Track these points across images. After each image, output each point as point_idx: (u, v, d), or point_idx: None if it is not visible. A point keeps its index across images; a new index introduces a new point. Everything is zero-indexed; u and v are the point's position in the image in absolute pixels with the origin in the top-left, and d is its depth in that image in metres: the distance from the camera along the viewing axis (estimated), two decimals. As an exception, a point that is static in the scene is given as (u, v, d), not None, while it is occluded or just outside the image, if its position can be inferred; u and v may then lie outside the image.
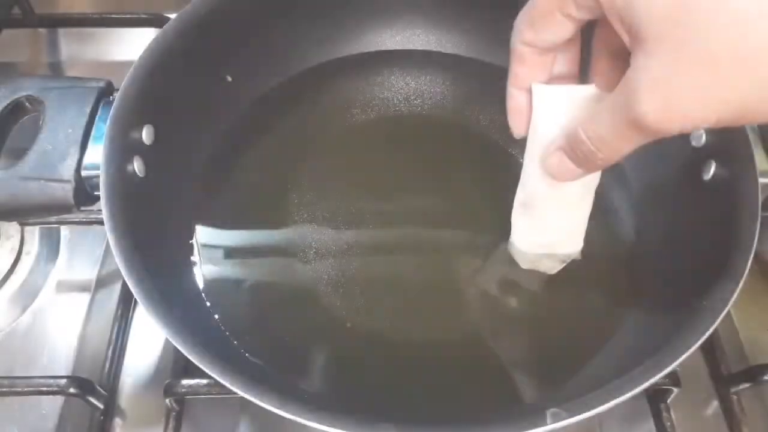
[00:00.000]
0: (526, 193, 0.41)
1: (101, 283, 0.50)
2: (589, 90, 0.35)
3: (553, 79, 0.36)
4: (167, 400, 0.42)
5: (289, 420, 0.30)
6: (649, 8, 0.26)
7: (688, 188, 0.44)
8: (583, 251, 0.43)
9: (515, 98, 0.37)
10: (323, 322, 0.43)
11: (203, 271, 0.45)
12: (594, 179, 0.39)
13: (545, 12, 0.32)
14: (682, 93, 0.26)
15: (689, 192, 0.44)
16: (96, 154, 0.39)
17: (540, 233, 0.43)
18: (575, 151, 0.33)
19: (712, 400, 0.45)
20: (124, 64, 0.42)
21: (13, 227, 0.51)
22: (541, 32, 0.32)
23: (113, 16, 0.64)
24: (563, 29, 0.32)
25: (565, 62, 0.36)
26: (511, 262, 0.45)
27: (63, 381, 0.41)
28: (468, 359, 0.42)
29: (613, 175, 0.49)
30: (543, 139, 0.36)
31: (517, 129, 0.38)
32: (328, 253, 0.46)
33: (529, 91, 0.36)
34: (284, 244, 0.47)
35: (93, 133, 0.40)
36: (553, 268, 0.44)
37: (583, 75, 0.36)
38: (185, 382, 0.41)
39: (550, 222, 0.42)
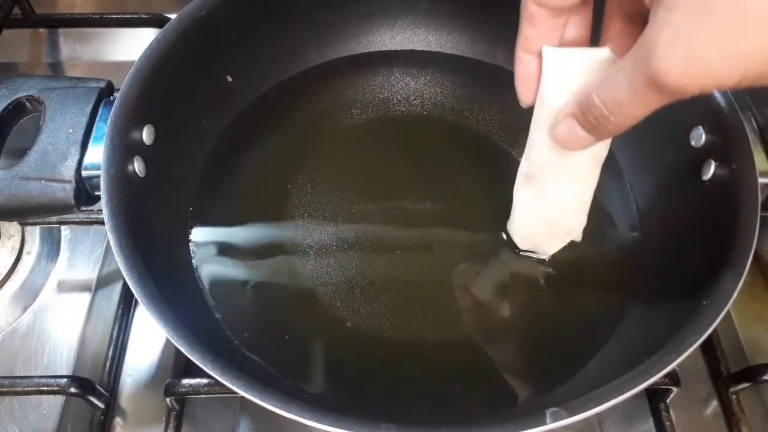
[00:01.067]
0: (530, 165, 0.39)
1: (102, 282, 0.50)
2: (603, 53, 0.33)
3: (564, 44, 0.34)
4: (168, 400, 0.42)
5: (290, 420, 0.30)
6: None
7: (688, 188, 0.44)
8: (585, 232, 0.43)
9: (524, 63, 0.35)
10: (323, 322, 0.43)
11: (203, 270, 0.45)
12: (602, 150, 0.37)
13: None
14: (705, 47, 0.24)
15: (689, 192, 0.44)
16: (96, 154, 0.39)
17: (543, 207, 0.41)
18: (587, 117, 0.31)
19: (711, 400, 0.45)
20: (124, 64, 0.43)
21: (13, 227, 0.51)
22: None
23: (113, 16, 0.64)
24: None
25: (576, 26, 0.34)
26: (512, 261, 0.45)
27: (63, 381, 0.41)
28: (468, 359, 0.42)
29: (613, 176, 0.50)
30: (552, 106, 0.34)
31: (525, 97, 0.36)
32: (328, 253, 0.46)
33: (539, 56, 0.34)
34: (284, 244, 0.47)
35: (93, 133, 0.40)
36: (552, 247, 0.43)
37: (594, 41, 0.35)
38: (186, 381, 0.41)
39: (555, 194, 0.40)
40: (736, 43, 0.24)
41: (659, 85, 0.26)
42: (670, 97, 0.27)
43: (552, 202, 0.40)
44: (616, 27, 0.33)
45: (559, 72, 0.34)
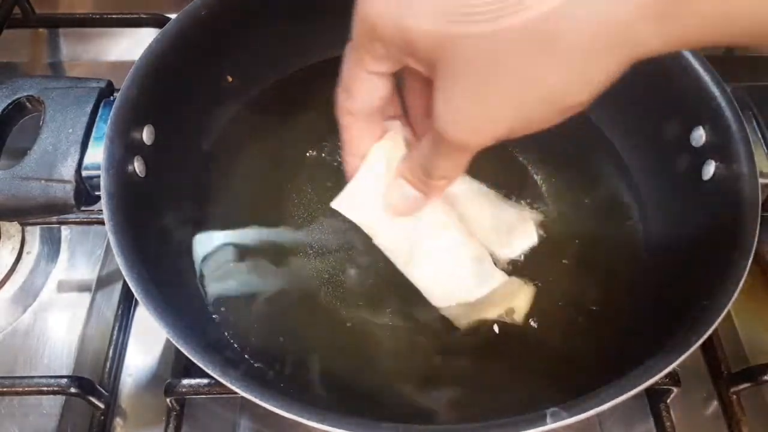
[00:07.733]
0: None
1: (102, 282, 0.50)
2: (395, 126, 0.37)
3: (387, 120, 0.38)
4: (168, 400, 0.42)
5: (290, 420, 0.30)
6: (434, 49, 0.27)
7: (689, 188, 0.44)
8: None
9: (351, 165, 0.39)
10: (323, 322, 0.43)
11: (203, 270, 0.45)
12: (449, 215, 0.40)
13: (352, 76, 0.33)
14: (468, 111, 0.28)
15: (690, 192, 0.44)
16: (97, 154, 0.39)
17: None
18: (415, 173, 0.35)
19: (711, 400, 0.45)
20: (124, 64, 0.43)
21: (14, 227, 0.51)
22: (357, 97, 0.34)
23: (113, 16, 0.64)
24: (376, 89, 0.33)
25: (392, 116, 0.38)
26: (514, 260, 0.45)
27: (64, 381, 0.41)
28: (468, 359, 0.42)
29: (616, 177, 0.49)
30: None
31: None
32: (329, 253, 0.46)
33: (363, 157, 0.38)
34: (284, 244, 0.46)
35: (93, 133, 0.40)
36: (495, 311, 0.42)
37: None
38: (186, 381, 0.41)
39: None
40: (488, 110, 0.28)
41: (446, 140, 0.30)
42: (463, 150, 0.31)
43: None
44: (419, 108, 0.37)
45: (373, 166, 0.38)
